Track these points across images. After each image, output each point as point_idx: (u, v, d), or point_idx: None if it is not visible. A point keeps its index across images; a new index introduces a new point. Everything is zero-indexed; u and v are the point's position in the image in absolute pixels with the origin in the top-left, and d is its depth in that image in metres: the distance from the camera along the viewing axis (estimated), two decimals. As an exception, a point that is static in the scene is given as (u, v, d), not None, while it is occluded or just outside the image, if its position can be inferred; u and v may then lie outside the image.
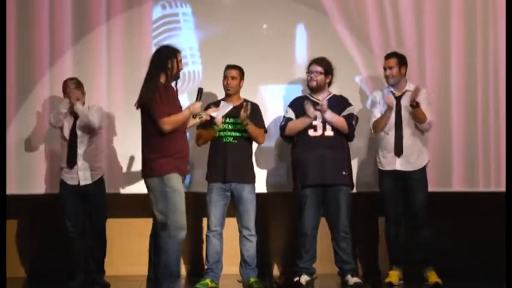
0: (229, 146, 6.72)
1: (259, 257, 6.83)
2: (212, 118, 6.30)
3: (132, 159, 7.13)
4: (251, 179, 6.78)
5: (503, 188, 6.88)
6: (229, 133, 6.73)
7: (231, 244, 6.84)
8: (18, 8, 7.24)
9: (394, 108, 6.72)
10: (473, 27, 7.27)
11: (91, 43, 7.28)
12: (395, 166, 6.75)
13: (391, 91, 6.82)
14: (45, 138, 7.17)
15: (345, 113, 6.78)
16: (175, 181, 5.73)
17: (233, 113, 6.63)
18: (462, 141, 7.22)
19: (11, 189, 7.01)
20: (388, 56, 6.83)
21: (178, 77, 5.91)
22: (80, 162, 6.79)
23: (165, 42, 6.90)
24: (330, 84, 6.89)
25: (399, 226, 6.83)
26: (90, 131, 6.79)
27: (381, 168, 6.82)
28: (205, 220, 6.90)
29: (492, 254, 7.10)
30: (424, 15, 7.27)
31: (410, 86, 6.81)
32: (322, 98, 6.79)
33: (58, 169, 6.91)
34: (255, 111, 6.79)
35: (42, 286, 7.21)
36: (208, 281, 6.64)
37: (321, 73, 6.81)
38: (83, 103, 6.80)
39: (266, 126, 6.92)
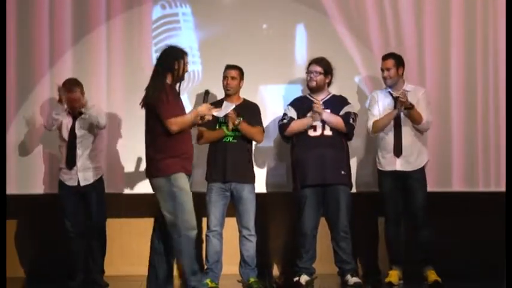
0: (229, 145, 6.72)
1: (259, 257, 6.83)
2: (214, 118, 6.31)
3: (132, 159, 7.12)
4: (251, 178, 6.78)
5: (503, 188, 6.87)
6: (229, 133, 6.73)
7: (230, 244, 6.84)
8: (18, 8, 7.25)
9: (399, 111, 6.71)
10: (473, 27, 7.27)
11: (91, 43, 7.28)
12: (395, 166, 6.75)
13: (389, 91, 6.83)
14: (45, 138, 7.16)
15: (342, 112, 6.78)
16: (183, 181, 5.73)
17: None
18: (462, 141, 7.22)
19: (11, 189, 7.01)
20: (385, 57, 6.83)
21: (182, 79, 5.90)
22: (79, 163, 6.78)
23: (166, 42, 6.92)
24: (329, 84, 6.89)
25: (399, 226, 6.83)
26: (96, 130, 6.80)
27: (381, 169, 6.82)
28: (205, 220, 6.89)
29: (492, 254, 7.10)
30: (423, 15, 7.27)
31: (408, 87, 6.81)
32: (321, 98, 6.79)
33: (57, 169, 6.91)
34: (253, 110, 6.79)
35: (42, 286, 7.21)
36: (208, 281, 6.63)
37: (320, 73, 6.81)
38: (83, 105, 6.78)
39: (265, 126, 6.93)
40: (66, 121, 6.82)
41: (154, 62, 6.69)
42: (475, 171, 7.20)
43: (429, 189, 6.83)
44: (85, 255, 6.85)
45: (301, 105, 6.82)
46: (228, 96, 6.78)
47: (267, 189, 7.21)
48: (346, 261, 6.75)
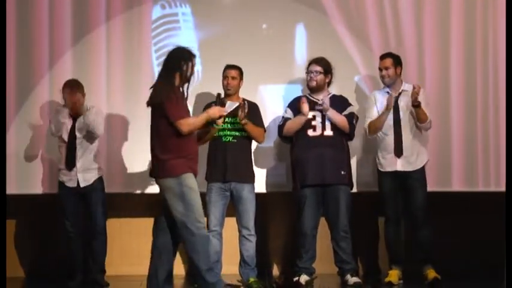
0: (228, 145, 6.72)
1: (258, 257, 6.83)
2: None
3: (132, 159, 7.13)
4: (251, 178, 6.78)
5: (502, 188, 6.86)
6: (228, 132, 6.73)
7: (230, 244, 6.84)
8: (18, 8, 7.25)
9: (392, 109, 6.71)
10: (473, 27, 7.27)
11: (91, 43, 7.28)
12: (396, 167, 6.75)
13: (387, 92, 6.83)
14: (45, 138, 7.16)
15: (346, 112, 6.79)
16: (192, 180, 5.69)
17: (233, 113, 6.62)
18: (462, 141, 7.21)
19: (11, 189, 7.00)
20: (383, 57, 6.83)
21: (189, 81, 5.87)
22: (79, 164, 6.77)
23: (166, 42, 6.94)
24: (329, 84, 6.89)
25: (399, 226, 6.83)
26: (90, 136, 6.78)
27: (381, 170, 6.82)
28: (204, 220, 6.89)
29: (492, 254, 7.09)
30: (423, 15, 7.27)
31: (406, 86, 6.81)
32: (322, 97, 6.80)
33: (57, 170, 6.91)
34: (254, 111, 6.80)
35: (42, 286, 7.21)
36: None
37: (320, 73, 6.81)
38: (82, 103, 6.78)
39: (266, 126, 6.93)
40: (66, 122, 6.81)
41: (154, 62, 6.72)
42: (475, 171, 7.19)
43: (429, 189, 6.83)
44: (85, 255, 6.85)
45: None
46: (228, 96, 6.77)
47: (266, 189, 7.21)
48: (346, 261, 6.75)
